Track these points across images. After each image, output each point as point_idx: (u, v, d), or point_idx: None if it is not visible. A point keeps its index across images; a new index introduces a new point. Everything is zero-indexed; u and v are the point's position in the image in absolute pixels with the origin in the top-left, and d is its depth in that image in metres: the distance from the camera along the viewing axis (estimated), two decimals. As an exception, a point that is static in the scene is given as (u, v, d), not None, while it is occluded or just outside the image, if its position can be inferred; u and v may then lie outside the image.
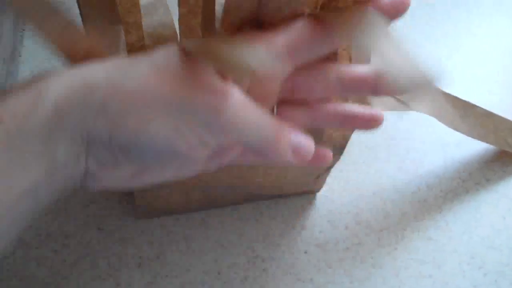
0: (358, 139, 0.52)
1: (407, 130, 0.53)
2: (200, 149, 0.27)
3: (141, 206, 0.45)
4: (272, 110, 0.32)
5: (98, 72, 0.25)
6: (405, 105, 0.41)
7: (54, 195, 0.26)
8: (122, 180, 0.28)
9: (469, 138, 0.49)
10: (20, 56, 0.59)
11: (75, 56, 0.28)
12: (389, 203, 0.47)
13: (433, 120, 0.46)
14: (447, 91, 0.47)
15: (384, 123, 0.52)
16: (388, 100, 0.42)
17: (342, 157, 0.48)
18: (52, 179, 0.25)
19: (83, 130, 0.25)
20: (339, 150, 0.41)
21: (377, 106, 0.41)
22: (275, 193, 0.45)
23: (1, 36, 0.54)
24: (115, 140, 0.25)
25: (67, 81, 0.25)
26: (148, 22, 0.32)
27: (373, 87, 0.30)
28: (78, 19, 0.29)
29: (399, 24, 0.28)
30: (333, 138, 0.39)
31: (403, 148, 0.51)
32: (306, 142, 0.29)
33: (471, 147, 0.51)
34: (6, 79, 0.54)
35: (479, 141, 0.49)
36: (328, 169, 0.44)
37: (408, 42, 0.26)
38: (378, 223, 0.46)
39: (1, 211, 0.24)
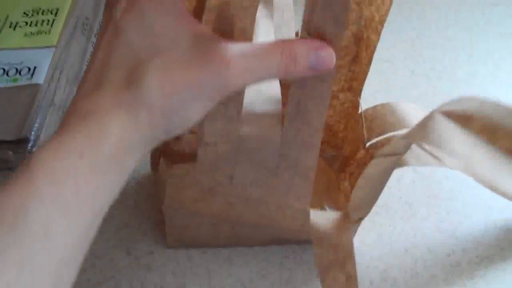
0: (398, 193, 0.51)
1: (450, 190, 0.52)
2: (221, 99, 0.32)
3: (171, 235, 0.46)
4: None
5: (130, 101, 0.30)
6: (438, 160, 0.41)
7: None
8: None
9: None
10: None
11: None
12: (420, 263, 0.46)
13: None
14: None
15: (428, 180, 0.52)
16: (422, 154, 0.41)
17: (379, 210, 0.48)
18: (120, 185, 0.31)
19: (144, 143, 0.31)
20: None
21: (411, 160, 0.41)
22: (302, 238, 0.46)
23: (68, 57, 0.58)
24: (171, 135, 0.32)
25: (117, 117, 0.29)
26: None
27: None
28: None
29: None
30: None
31: (444, 207, 0.50)
32: (324, 57, 0.33)
33: (517, 215, 0.50)
34: (68, 97, 0.57)
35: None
36: (360, 220, 0.44)
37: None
38: (405, 282, 0.45)
39: (89, 224, 0.28)
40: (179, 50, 0.31)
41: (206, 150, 0.38)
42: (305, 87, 0.36)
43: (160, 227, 0.48)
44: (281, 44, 0.32)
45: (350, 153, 0.50)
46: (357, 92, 0.48)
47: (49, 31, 0.59)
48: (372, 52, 0.44)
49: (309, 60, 0.32)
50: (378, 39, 0.43)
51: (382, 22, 0.42)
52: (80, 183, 0.27)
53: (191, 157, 0.40)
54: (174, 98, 0.30)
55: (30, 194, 0.26)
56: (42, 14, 0.61)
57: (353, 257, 0.39)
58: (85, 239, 0.29)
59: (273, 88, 0.40)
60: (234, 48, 0.31)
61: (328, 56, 0.33)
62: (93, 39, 0.65)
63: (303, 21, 0.34)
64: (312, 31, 0.33)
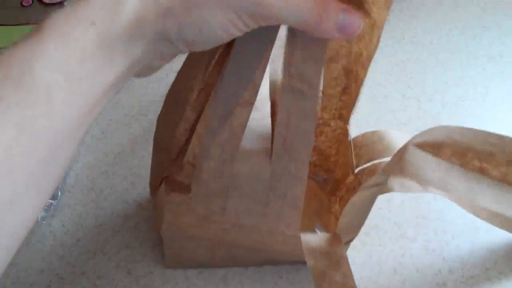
0: (387, 214, 0.53)
1: (439, 211, 0.54)
2: (244, 30, 0.32)
3: (169, 256, 0.48)
4: None
5: None
6: (422, 186, 0.43)
7: (125, 82, 0.32)
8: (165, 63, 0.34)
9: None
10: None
11: None
12: (408, 283, 0.48)
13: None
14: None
15: (417, 201, 0.54)
16: (405, 180, 0.44)
17: (369, 230, 0.50)
18: (129, 73, 0.31)
19: (156, 31, 0.30)
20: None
21: (395, 186, 0.43)
22: (295, 260, 0.48)
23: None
24: (182, 36, 0.31)
25: None
26: None
27: None
28: None
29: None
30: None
31: (432, 228, 0.53)
32: (353, 18, 0.32)
33: (502, 235, 0.51)
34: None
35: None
36: (348, 242, 0.46)
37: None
38: (393, 302, 0.47)
39: (96, 101, 0.29)
40: None
41: (200, 185, 0.41)
42: (290, 125, 0.38)
43: (159, 248, 0.51)
44: None
45: (341, 177, 0.52)
46: (347, 120, 0.50)
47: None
48: (361, 85, 0.46)
49: (339, 18, 0.32)
50: (366, 74, 0.45)
51: (369, 58, 0.44)
52: (86, 53, 0.28)
53: (189, 187, 0.42)
54: None
55: (38, 53, 0.27)
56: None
57: (347, 259, 0.41)
58: (85, 118, 0.29)
59: (262, 124, 0.42)
60: None
61: (356, 20, 0.32)
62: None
63: (283, 63, 0.36)
64: (293, 72, 0.36)
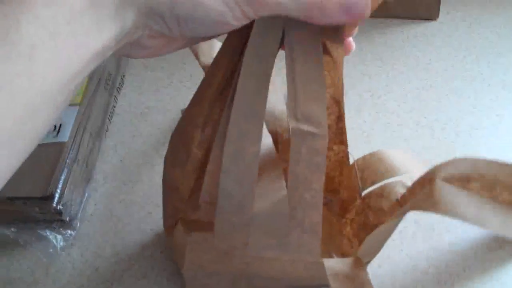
0: (400, 245, 0.54)
1: (451, 243, 0.55)
2: (242, 20, 0.31)
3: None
4: None
5: None
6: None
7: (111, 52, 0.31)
8: (158, 49, 0.34)
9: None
10: (107, 131, 0.67)
11: None
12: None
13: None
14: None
15: (429, 233, 0.55)
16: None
17: (381, 262, 0.51)
18: (117, 44, 0.31)
19: (148, 3, 0.30)
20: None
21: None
22: (315, 284, 0.49)
23: (92, 113, 0.62)
24: (175, 13, 0.30)
25: None
26: None
27: None
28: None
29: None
30: None
31: (444, 260, 0.53)
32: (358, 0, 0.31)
33: (513, 268, 0.52)
34: (91, 151, 0.62)
35: None
36: (366, 263, 0.48)
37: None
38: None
39: (81, 67, 0.29)
40: None
41: (222, 223, 0.42)
42: (302, 162, 0.40)
43: (176, 278, 0.52)
44: None
45: (347, 198, 0.53)
46: (346, 145, 0.52)
47: (74, 89, 0.63)
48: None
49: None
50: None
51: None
52: (75, 13, 0.27)
53: (208, 225, 0.43)
54: None
55: (26, 8, 0.26)
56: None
57: (370, 282, 0.43)
58: (68, 83, 0.28)
59: (273, 168, 0.43)
60: None
61: (362, 2, 0.31)
62: (115, 93, 0.70)
63: (289, 109, 0.38)
64: (299, 116, 0.37)
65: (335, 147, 0.52)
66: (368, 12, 0.32)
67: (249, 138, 0.38)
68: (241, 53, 0.38)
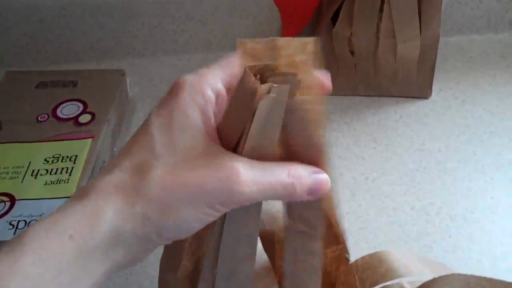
0: None
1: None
2: (219, 214, 0.34)
3: None
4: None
5: (131, 189, 0.32)
6: None
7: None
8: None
9: None
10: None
11: None
12: None
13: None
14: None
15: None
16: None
17: None
18: (109, 275, 0.33)
19: (136, 238, 0.32)
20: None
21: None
22: None
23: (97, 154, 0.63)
24: (162, 236, 0.33)
25: (114, 202, 0.32)
26: None
27: None
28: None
29: None
30: None
31: None
32: (321, 181, 0.35)
33: None
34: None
35: None
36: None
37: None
38: None
39: None
40: (192, 152, 0.33)
41: None
42: (298, 262, 0.40)
43: None
44: (287, 164, 0.34)
45: None
46: (344, 244, 0.52)
47: (68, 180, 0.65)
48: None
49: (310, 182, 0.34)
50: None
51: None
52: (63, 266, 0.30)
53: None
54: (173, 194, 0.32)
55: (15, 271, 0.29)
56: (62, 161, 0.67)
57: None
58: None
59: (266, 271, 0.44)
60: (245, 161, 0.33)
61: (325, 180, 0.35)
62: (109, 180, 0.71)
63: (284, 208, 0.39)
64: (295, 216, 0.39)
65: (333, 247, 0.53)
66: (328, 189, 0.36)
67: (242, 258, 0.39)
68: None
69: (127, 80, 0.83)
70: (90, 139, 0.70)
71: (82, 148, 0.69)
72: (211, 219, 0.34)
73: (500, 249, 0.63)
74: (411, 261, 0.52)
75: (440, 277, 0.39)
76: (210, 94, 0.36)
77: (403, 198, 0.69)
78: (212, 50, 0.95)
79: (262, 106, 0.32)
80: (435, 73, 0.81)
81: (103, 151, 0.71)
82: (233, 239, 0.38)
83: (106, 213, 0.31)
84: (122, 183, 0.32)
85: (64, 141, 0.70)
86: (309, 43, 0.34)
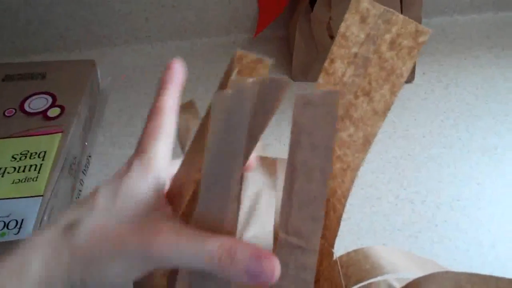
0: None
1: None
2: (145, 272, 0.33)
3: None
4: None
5: (59, 241, 0.33)
6: None
7: None
8: None
9: None
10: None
11: None
12: None
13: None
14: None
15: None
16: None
17: None
18: None
19: (64, 285, 0.32)
20: None
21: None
22: None
23: (56, 201, 0.61)
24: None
25: (42, 254, 0.33)
26: None
27: None
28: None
29: None
30: None
31: None
32: (265, 266, 0.31)
33: None
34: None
35: None
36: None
37: None
38: None
39: None
40: (130, 215, 0.33)
41: None
42: (289, 277, 0.39)
43: None
44: (225, 238, 0.32)
45: None
46: (329, 240, 0.51)
47: (37, 178, 0.63)
48: (339, 215, 0.47)
49: (247, 264, 0.31)
50: (343, 208, 0.46)
51: (345, 197, 0.45)
52: None
53: None
54: (95, 247, 0.32)
55: None
56: (30, 158, 0.65)
57: None
58: None
59: None
60: (176, 225, 0.32)
61: (269, 268, 0.32)
62: (82, 176, 0.69)
63: (280, 220, 0.37)
64: (290, 230, 0.37)
65: None
66: (275, 277, 0.32)
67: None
68: None
69: (98, 70, 0.81)
70: (60, 134, 0.68)
71: (51, 143, 0.67)
72: (135, 276, 0.34)
73: (487, 237, 0.62)
74: (398, 257, 0.51)
75: (429, 275, 0.38)
76: (164, 165, 0.37)
77: (387, 186, 0.68)
78: (187, 37, 0.93)
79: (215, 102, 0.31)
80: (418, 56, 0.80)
81: (74, 146, 0.69)
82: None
83: (33, 264, 0.32)
84: (53, 237, 0.33)
85: (33, 136, 0.68)
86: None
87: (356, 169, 0.43)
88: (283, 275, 0.39)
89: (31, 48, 0.92)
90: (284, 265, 0.38)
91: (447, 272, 0.38)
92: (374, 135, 0.40)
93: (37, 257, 0.32)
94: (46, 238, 0.33)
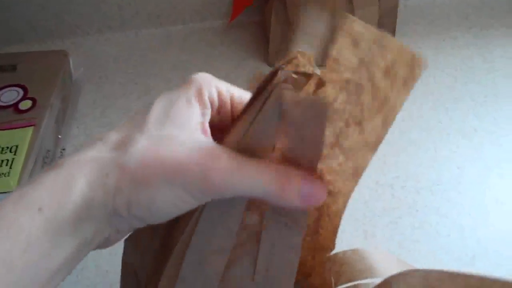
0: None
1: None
2: (200, 203, 0.33)
3: None
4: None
5: (108, 160, 0.32)
6: None
7: (79, 262, 0.33)
8: (127, 233, 0.36)
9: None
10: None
11: None
12: None
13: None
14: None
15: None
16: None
17: None
18: (81, 253, 0.32)
19: (106, 211, 0.31)
20: None
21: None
22: None
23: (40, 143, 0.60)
24: (132, 214, 0.31)
25: (87, 171, 0.31)
26: None
27: None
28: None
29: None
30: None
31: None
32: (316, 189, 0.32)
33: None
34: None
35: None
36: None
37: None
38: None
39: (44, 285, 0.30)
40: (181, 135, 0.32)
41: None
42: (274, 256, 0.38)
43: None
44: (277, 163, 0.32)
45: (319, 286, 0.52)
46: (324, 236, 0.51)
47: (9, 173, 0.62)
48: (336, 229, 0.47)
49: (302, 188, 0.32)
50: (339, 222, 0.46)
51: (337, 214, 0.45)
52: (31, 241, 0.29)
53: None
54: (148, 169, 0.31)
55: None
56: (2, 152, 0.64)
57: None
58: None
59: None
60: (231, 152, 0.32)
61: (319, 190, 0.32)
62: (55, 170, 0.68)
63: None
64: (278, 208, 0.36)
65: (308, 238, 0.51)
66: (322, 201, 0.33)
67: (214, 250, 0.37)
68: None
69: (70, 61, 0.79)
70: (32, 127, 0.67)
71: (23, 137, 0.66)
72: (186, 207, 0.32)
73: (469, 221, 0.62)
74: (396, 265, 0.50)
75: (398, 274, 0.38)
76: (215, 95, 0.36)
77: (366, 172, 0.67)
78: (160, 24, 0.92)
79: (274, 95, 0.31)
80: (396, 38, 0.79)
81: (46, 139, 0.68)
82: (210, 227, 0.36)
83: (78, 183, 0.30)
84: (100, 155, 0.32)
85: (4, 130, 0.67)
86: None
87: (347, 195, 0.42)
88: (268, 255, 0.38)
89: (1, 39, 0.90)
90: (269, 244, 0.38)
91: (417, 270, 0.38)
92: (364, 168, 0.39)
93: (82, 176, 0.30)
94: (92, 156, 0.32)
